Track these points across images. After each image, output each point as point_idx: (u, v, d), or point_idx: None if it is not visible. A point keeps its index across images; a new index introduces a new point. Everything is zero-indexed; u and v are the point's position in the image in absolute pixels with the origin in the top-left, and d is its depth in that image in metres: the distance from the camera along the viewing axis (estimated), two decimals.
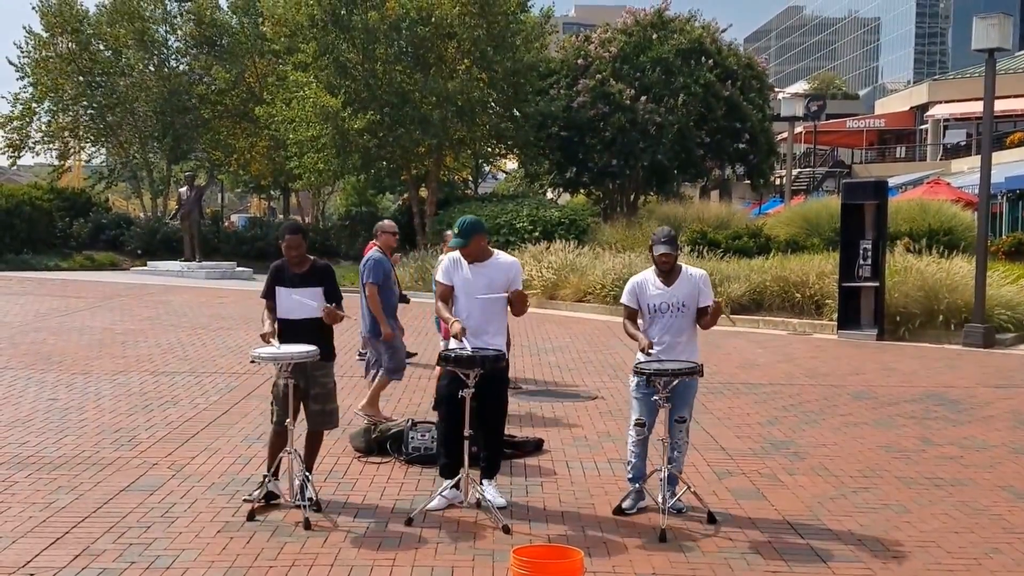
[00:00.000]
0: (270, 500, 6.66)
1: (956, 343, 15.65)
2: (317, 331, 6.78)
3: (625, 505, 6.75)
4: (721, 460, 8.19)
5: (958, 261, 17.67)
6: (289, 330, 6.82)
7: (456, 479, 6.70)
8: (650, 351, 6.60)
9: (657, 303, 6.77)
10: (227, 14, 37.44)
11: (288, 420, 6.55)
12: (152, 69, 36.50)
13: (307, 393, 6.72)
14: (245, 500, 6.71)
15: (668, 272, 6.80)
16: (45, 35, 35.96)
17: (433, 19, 28.11)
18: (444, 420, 6.91)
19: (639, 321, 6.89)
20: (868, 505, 7.00)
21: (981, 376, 12.85)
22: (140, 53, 36.18)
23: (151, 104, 35.98)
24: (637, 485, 6.78)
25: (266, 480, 6.66)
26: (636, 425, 6.77)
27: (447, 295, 6.94)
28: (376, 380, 9.54)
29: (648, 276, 6.90)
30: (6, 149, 36.56)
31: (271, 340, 6.72)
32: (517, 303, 6.79)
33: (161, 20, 36.56)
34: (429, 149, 29.88)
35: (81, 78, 35.81)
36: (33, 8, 35.99)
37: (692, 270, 6.90)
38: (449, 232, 6.55)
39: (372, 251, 9.88)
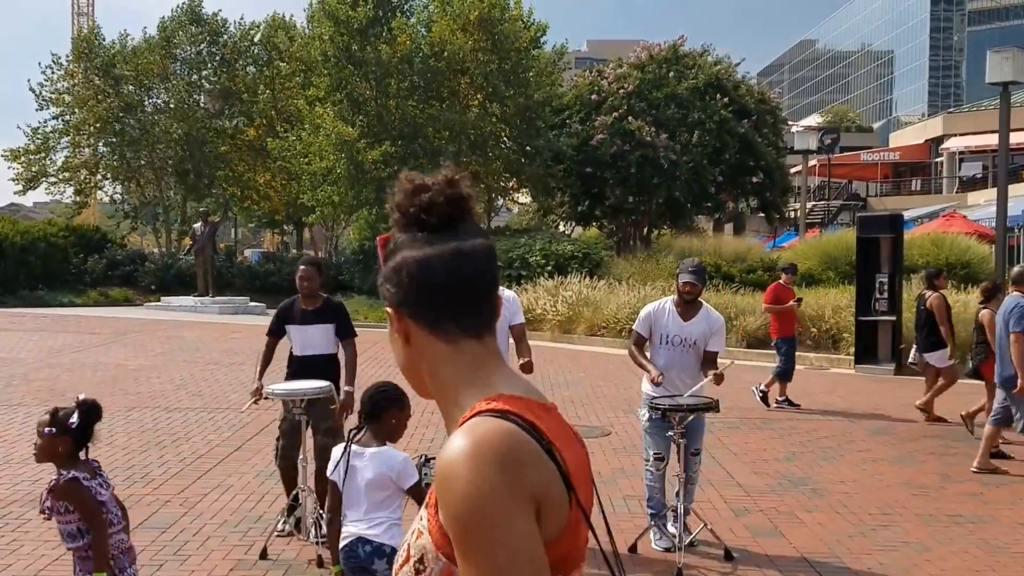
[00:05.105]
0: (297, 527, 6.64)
1: (974, 378, 15.47)
2: (329, 367, 6.90)
3: (664, 545, 6.64)
4: (738, 497, 8.10)
5: (975, 295, 17.51)
6: (302, 366, 6.84)
7: None
8: (659, 382, 6.55)
9: (670, 335, 6.70)
10: (258, 47, 37.56)
11: (301, 458, 6.54)
12: (174, 106, 36.69)
13: (316, 428, 6.69)
14: (278, 534, 6.72)
15: (689, 303, 6.72)
16: (72, 66, 36.12)
17: (446, 54, 28.25)
18: None
19: (648, 352, 6.84)
20: (888, 543, 6.90)
21: None
22: (166, 95, 36.46)
23: (171, 143, 36.15)
24: (661, 521, 6.70)
25: (293, 510, 6.71)
26: (656, 460, 6.71)
27: None
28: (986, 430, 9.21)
29: (667, 306, 6.82)
30: (19, 180, 36.57)
31: (260, 394, 6.79)
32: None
33: (192, 63, 36.75)
34: None
35: (105, 113, 35.99)
36: (72, 38, 36.19)
37: (713, 312, 6.83)
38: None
39: (1015, 296, 8.83)
